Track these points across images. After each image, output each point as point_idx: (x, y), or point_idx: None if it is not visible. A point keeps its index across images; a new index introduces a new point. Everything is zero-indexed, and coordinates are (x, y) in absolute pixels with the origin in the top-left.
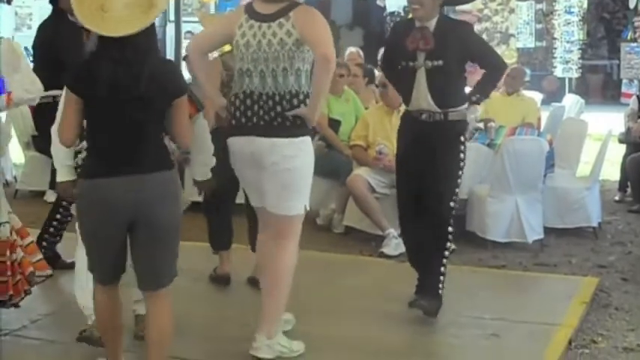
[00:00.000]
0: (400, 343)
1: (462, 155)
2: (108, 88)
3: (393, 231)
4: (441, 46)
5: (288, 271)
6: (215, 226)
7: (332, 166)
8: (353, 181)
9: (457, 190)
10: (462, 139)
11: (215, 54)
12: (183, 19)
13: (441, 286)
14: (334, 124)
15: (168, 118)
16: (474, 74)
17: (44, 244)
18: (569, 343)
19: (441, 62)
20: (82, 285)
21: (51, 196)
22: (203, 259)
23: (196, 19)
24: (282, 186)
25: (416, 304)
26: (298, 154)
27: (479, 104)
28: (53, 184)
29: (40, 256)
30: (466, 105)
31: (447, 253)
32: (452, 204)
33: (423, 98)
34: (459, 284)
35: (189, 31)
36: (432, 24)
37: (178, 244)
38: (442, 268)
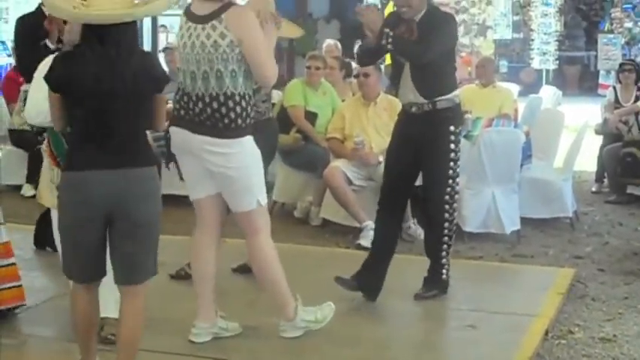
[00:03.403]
0: (377, 335)
1: (452, 146)
2: (91, 86)
3: (371, 223)
4: (424, 37)
5: (270, 264)
6: None
7: (309, 158)
8: (330, 173)
9: (451, 181)
10: (452, 128)
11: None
12: None
13: (443, 271)
14: (311, 116)
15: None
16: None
17: None
18: (546, 333)
19: None
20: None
21: (28, 191)
22: (179, 252)
23: (171, 12)
24: (229, 186)
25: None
26: (234, 155)
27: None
28: (30, 178)
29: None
30: (456, 92)
31: (445, 239)
32: (446, 197)
33: (409, 90)
34: None
35: (163, 25)
36: (418, 17)
37: (157, 241)
38: (443, 253)
